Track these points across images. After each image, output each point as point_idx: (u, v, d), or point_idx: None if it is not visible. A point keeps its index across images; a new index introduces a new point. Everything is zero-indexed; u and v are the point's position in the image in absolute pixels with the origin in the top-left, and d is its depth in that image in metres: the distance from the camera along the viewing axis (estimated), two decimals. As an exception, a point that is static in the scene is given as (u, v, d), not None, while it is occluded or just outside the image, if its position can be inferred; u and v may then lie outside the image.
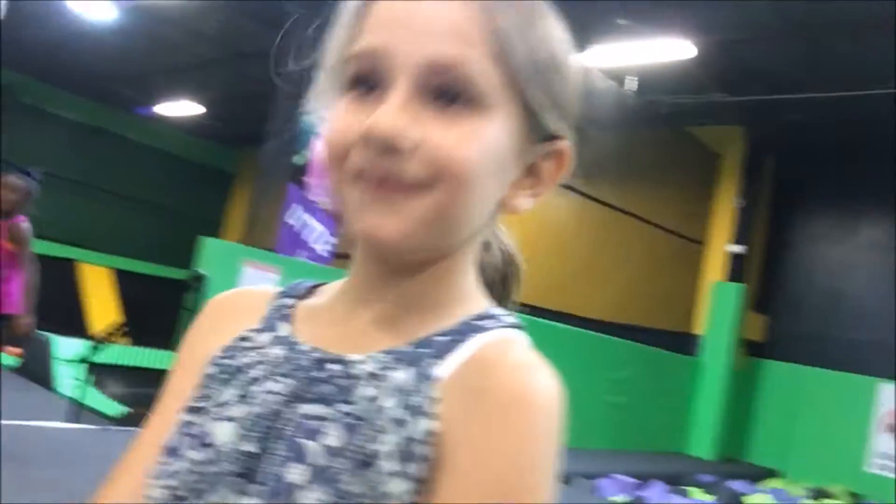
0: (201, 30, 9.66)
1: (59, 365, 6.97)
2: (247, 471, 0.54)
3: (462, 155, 0.54)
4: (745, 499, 7.34)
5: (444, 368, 0.55)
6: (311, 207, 7.22)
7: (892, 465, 8.91)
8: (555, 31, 0.61)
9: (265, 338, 0.62)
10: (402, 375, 0.55)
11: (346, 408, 0.54)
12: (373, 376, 0.55)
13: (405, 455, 0.51)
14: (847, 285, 9.92)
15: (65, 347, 7.16)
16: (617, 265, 9.69)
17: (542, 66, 0.58)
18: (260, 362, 0.59)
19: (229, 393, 0.58)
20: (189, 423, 0.58)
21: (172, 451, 0.57)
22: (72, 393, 6.29)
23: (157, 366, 6.27)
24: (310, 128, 7.54)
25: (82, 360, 6.21)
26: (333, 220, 6.99)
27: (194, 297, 5.62)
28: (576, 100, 0.64)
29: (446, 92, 0.55)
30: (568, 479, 6.49)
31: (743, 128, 10.13)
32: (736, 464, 9.59)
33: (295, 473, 0.52)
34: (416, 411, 0.52)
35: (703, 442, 9.66)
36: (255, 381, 0.58)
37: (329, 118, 0.59)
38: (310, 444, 0.53)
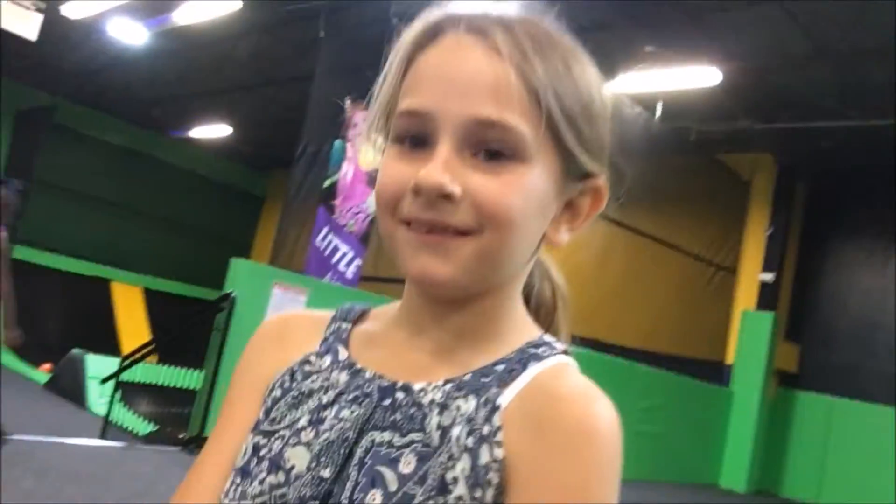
0: (233, 54, 9.85)
1: (90, 382, 7.06)
2: (324, 496, 0.58)
3: (506, 202, 0.59)
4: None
5: (506, 397, 0.59)
6: (338, 231, 7.27)
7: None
8: (587, 77, 0.65)
9: (327, 362, 0.66)
10: (467, 404, 0.59)
11: (417, 436, 0.58)
12: (439, 405, 0.59)
13: (475, 481, 0.55)
14: (880, 314, 9.72)
15: (96, 365, 7.25)
16: (647, 293, 9.61)
17: (576, 114, 0.62)
18: (326, 388, 0.64)
19: (299, 417, 0.62)
20: (260, 446, 0.62)
21: (246, 473, 0.61)
22: (101, 410, 6.36)
23: (187, 385, 6.34)
24: (338, 152, 7.62)
25: (112, 378, 6.29)
26: (360, 243, 7.03)
27: (224, 317, 5.68)
28: (609, 138, 0.68)
29: (488, 146, 0.59)
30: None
31: (773, 155, 10.06)
32: (769, 496, 9.39)
33: (373, 499, 0.56)
34: (484, 439, 0.56)
35: (735, 474, 9.49)
36: (324, 406, 0.62)
37: (380, 167, 0.64)
38: (387, 472, 0.57)
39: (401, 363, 0.64)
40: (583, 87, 0.63)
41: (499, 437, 0.56)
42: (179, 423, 5.86)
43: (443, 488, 0.55)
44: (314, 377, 0.65)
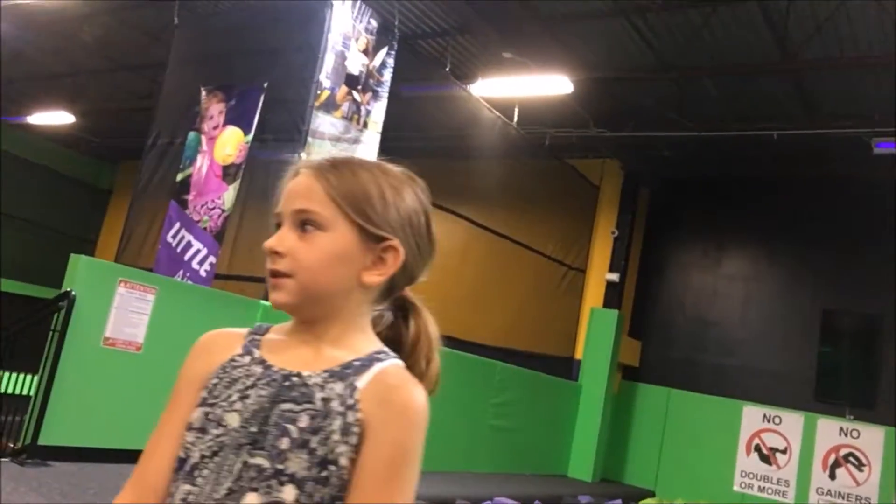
0: (80, 38, 9.25)
1: None
2: (252, 442, 0.94)
3: (304, 256, 0.98)
4: (619, 518, 7.58)
5: (362, 382, 0.96)
6: (191, 226, 6.99)
7: (756, 483, 9.48)
8: (365, 176, 1.02)
9: (247, 360, 1.01)
10: (338, 386, 0.96)
11: (308, 405, 0.94)
12: (320, 386, 0.96)
13: (345, 432, 0.92)
14: (713, 312, 10.54)
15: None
16: (504, 291, 9.90)
17: (359, 201, 1.00)
18: (248, 375, 0.99)
19: (231, 394, 0.98)
20: (208, 412, 0.97)
21: (201, 430, 0.97)
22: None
23: (18, 391, 5.85)
24: (192, 145, 7.32)
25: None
26: (214, 240, 6.79)
27: (63, 317, 5.31)
28: (401, 216, 1.02)
29: (303, 224, 1.00)
30: (448, 502, 6.52)
31: (619, 161, 10.65)
32: (613, 484, 9.92)
33: (284, 443, 0.92)
34: (350, 407, 0.94)
35: (583, 464, 9.95)
36: (248, 388, 0.98)
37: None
38: (291, 427, 0.93)
39: (294, 360, 1.00)
40: (365, 186, 1.01)
41: (358, 406, 0.94)
42: (9, 431, 5.41)
43: (327, 435, 0.92)
44: (239, 370, 1.00)
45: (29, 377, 5.50)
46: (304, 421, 0.92)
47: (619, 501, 8.16)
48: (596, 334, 10.28)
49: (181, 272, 6.81)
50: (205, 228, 6.86)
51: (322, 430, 0.92)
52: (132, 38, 9.08)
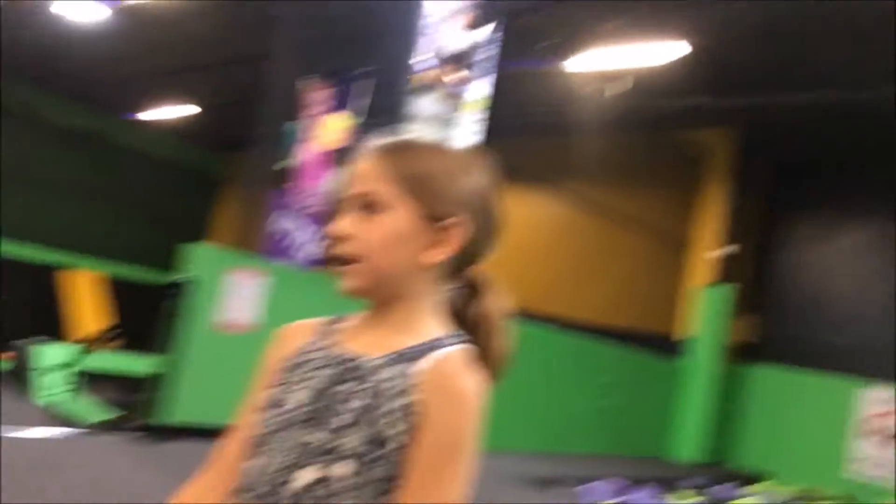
0: (191, 33, 9.62)
1: (39, 372, 6.90)
2: (310, 419, 0.99)
3: (370, 237, 1.01)
4: (731, 503, 7.35)
5: (417, 367, 0.98)
6: (297, 213, 7.19)
7: (875, 469, 8.96)
8: (425, 155, 1.05)
9: (316, 346, 1.06)
10: (395, 369, 0.99)
11: (363, 387, 0.98)
12: (378, 369, 0.99)
13: (397, 415, 0.95)
14: (833, 288, 9.98)
15: (45, 354, 7.09)
16: (605, 268, 9.72)
17: (418, 178, 1.02)
18: (313, 360, 1.04)
19: (298, 377, 1.03)
20: (275, 394, 1.03)
21: (268, 409, 1.03)
22: (51, 399, 6.23)
23: (140, 371, 6.21)
24: (293, 134, 7.51)
25: (64, 367, 6.15)
26: (318, 225, 6.96)
27: (179, 302, 5.58)
28: (462, 196, 1.03)
29: (366, 206, 1.02)
30: (554, 482, 6.48)
31: (731, 131, 10.18)
32: (722, 467, 9.62)
33: (337, 422, 0.97)
34: (408, 389, 0.97)
35: (689, 446, 9.68)
36: (311, 370, 1.03)
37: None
38: (344, 406, 0.97)
39: (359, 344, 1.03)
40: (425, 165, 1.03)
41: (411, 391, 0.96)
42: (136, 410, 5.76)
43: (385, 414, 0.95)
44: (307, 355, 1.05)
45: (151, 359, 5.83)
46: (357, 402, 0.96)
47: (733, 484, 7.89)
48: (706, 312, 9.94)
49: (288, 257, 7.02)
50: (307, 215, 7.04)
51: (374, 411, 0.95)
52: (239, 31, 9.37)
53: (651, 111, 9.21)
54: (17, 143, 11.60)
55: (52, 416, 5.84)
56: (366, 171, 1.03)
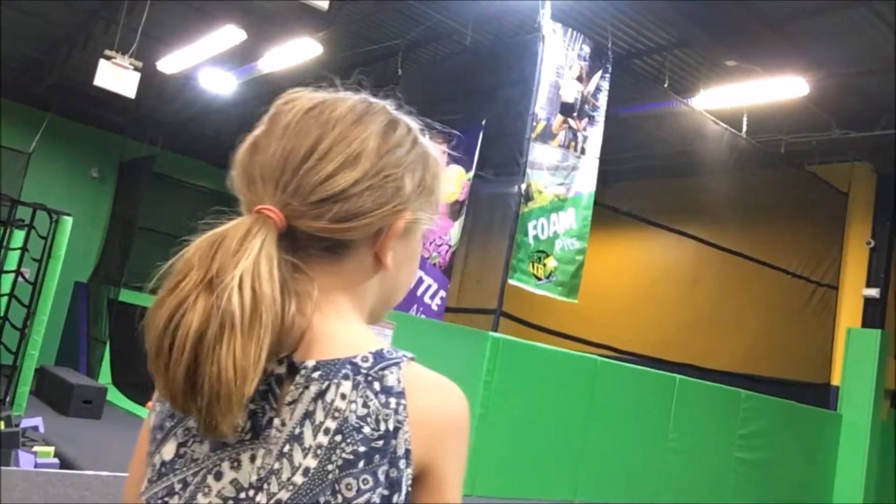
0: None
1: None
2: None
3: None
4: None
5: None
6: (422, 263, 7.33)
7: None
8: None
9: None
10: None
11: None
12: None
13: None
14: None
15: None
16: (742, 313, 9.27)
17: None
18: None
19: None
20: None
21: None
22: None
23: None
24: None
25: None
26: (444, 275, 7.06)
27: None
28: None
29: None
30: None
31: (871, 163, 9.59)
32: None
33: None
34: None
35: (849, 498, 8.96)
36: None
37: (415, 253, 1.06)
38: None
39: None
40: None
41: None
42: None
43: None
44: None
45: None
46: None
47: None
48: (856, 357, 9.26)
49: (415, 307, 7.14)
50: (434, 264, 7.16)
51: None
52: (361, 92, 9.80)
53: (781, 147, 8.84)
54: (165, 205, 12.49)
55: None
56: None
